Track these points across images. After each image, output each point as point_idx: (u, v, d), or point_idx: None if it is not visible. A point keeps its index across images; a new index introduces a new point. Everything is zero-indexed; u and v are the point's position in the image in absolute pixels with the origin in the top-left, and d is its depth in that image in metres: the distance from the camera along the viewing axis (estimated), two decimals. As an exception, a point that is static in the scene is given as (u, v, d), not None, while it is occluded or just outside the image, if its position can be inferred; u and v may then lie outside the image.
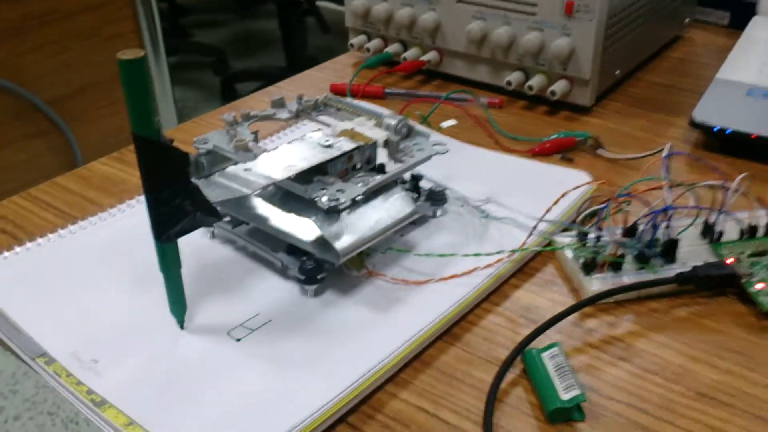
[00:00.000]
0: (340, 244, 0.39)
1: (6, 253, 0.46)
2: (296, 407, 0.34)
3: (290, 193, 0.42)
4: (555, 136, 0.57)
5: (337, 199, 0.40)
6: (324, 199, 0.40)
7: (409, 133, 0.46)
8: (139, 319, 0.40)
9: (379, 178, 0.42)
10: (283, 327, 0.39)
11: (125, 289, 0.42)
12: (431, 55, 0.69)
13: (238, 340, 0.39)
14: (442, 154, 0.45)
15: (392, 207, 0.42)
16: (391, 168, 0.43)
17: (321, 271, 0.41)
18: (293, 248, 0.43)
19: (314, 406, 0.34)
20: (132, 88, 0.32)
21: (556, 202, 0.43)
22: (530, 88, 0.63)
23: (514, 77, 0.64)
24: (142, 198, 0.51)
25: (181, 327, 0.40)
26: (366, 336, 0.39)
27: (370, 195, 0.42)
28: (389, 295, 0.41)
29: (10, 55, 1.43)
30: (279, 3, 2.32)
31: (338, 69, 0.74)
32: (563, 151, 0.57)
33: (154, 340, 0.39)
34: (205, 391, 0.36)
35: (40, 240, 0.47)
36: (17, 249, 0.46)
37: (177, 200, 0.35)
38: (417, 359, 0.38)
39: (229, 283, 0.43)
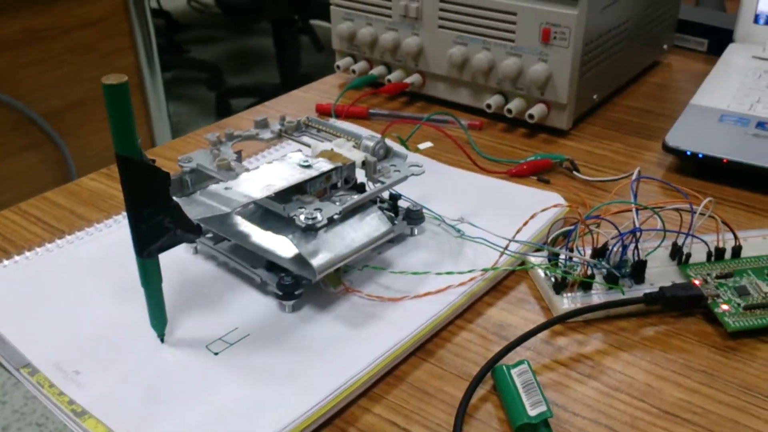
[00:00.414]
0: (317, 261, 0.40)
1: (-6, 267, 0.47)
2: (272, 420, 0.35)
3: (270, 211, 0.43)
4: (532, 158, 0.59)
5: (315, 218, 0.41)
6: (302, 217, 0.41)
7: (387, 154, 0.47)
8: (122, 332, 0.41)
9: (356, 197, 0.43)
10: (260, 341, 0.41)
11: (109, 303, 0.44)
12: (414, 78, 0.70)
13: (216, 353, 0.40)
14: (418, 175, 0.46)
15: (368, 226, 0.43)
16: (370, 188, 0.45)
17: (298, 287, 0.42)
18: (273, 265, 0.44)
19: (289, 419, 0.35)
20: (115, 111, 0.34)
21: (525, 223, 0.44)
22: (509, 111, 0.64)
23: (494, 100, 0.65)
24: (128, 214, 0.53)
25: (162, 340, 0.41)
26: (341, 351, 0.40)
27: (347, 214, 0.43)
28: (365, 312, 0.42)
29: (7, 68, 1.45)
30: (273, 21, 2.34)
31: (325, 90, 0.76)
32: (539, 173, 0.58)
33: (135, 352, 0.40)
34: (184, 403, 0.37)
35: (27, 254, 0.48)
36: (5, 262, 0.47)
37: (158, 217, 0.37)
38: (390, 374, 0.40)
39: (210, 298, 0.44)
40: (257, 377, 0.38)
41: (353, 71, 0.74)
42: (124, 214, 0.52)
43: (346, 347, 0.40)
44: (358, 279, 0.45)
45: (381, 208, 0.45)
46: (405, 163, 0.47)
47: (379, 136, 0.48)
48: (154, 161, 0.36)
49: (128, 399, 0.37)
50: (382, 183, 0.45)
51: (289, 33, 2.33)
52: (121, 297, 0.44)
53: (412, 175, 0.46)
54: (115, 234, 0.50)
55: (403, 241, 0.49)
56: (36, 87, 1.50)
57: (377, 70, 0.73)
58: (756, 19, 0.75)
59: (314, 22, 2.65)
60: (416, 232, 0.49)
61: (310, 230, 0.41)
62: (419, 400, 0.38)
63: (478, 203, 0.52)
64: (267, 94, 2.31)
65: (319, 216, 0.41)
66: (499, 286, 0.46)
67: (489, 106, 0.65)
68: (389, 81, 0.71)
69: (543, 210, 0.46)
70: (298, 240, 0.41)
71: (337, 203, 0.43)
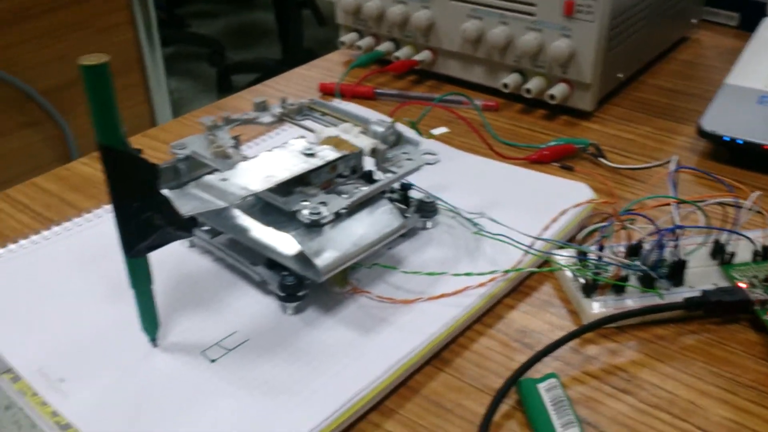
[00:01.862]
0: (322, 261, 0.37)
1: (-25, 260, 0.43)
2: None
3: (271, 205, 0.39)
4: (554, 143, 0.55)
5: (319, 213, 0.37)
6: (305, 212, 0.37)
7: (398, 141, 0.43)
8: (112, 335, 0.38)
9: (365, 189, 0.39)
10: (261, 347, 0.37)
11: (98, 302, 0.40)
12: (424, 55, 0.66)
13: (213, 360, 0.36)
14: (433, 164, 0.42)
15: (378, 221, 0.39)
16: (379, 178, 0.41)
17: (302, 287, 0.38)
18: (274, 262, 0.40)
19: (289, 436, 0.32)
20: (96, 95, 0.30)
21: (554, 220, 0.40)
22: (528, 91, 0.60)
23: (511, 79, 0.61)
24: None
25: (154, 345, 0.37)
26: (349, 359, 0.36)
27: (355, 207, 0.39)
28: (374, 315, 0.39)
29: (5, 45, 1.41)
30: (276, -6, 2.29)
31: (328, 67, 0.71)
32: (562, 159, 0.54)
33: (125, 358, 0.36)
34: (177, 417, 0.33)
35: (11, 246, 0.45)
36: (-13, 255, 0.44)
37: (146, 214, 0.33)
38: (403, 386, 0.36)
39: (206, 297, 0.40)
40: (257, 389, 0.35)
41: (359, 47, 0.69)
42: (114, 203, 0.49)
43: (355, 355, 0.36)
44: (367, 278, 0.41)
45: (391, 200, 0.42)
46: (418, 150, 0.43)
47: (388, 120, 0.44)
48: (140, 151, 0.32)
49: (117, 411, 0.34)
50: (394, 173, 0.41)
51: (291, 7, 2.27)
52: (111, 296, 0.40)
53: (426, 164, 0.42)
54: (104, 225, 0.47)
55: (415, 235, 0.45)
56: (33, 64, 1.46)
57: (384, 47, 0.68)
58: (791, -8, 0.71)
59: (317, -5, 2.59)
60: (429, 226, 0.45)
61: (314, 226, 0.37)
62: (436, 416, 0.34)
63: (496, 194, 0.48)
64: (269, 69, 2.27)
65: (324, 211, 0.37)
66: (520, 287, 0.42)
67: (506, 85, 0.61)
68: (397, 58, 0.67)
69: (576, 206, 0.41)
70: (301, 237, 0.37)
71: (344, 196, 0.39)
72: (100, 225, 0.47)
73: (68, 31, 1.50)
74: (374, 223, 0.39)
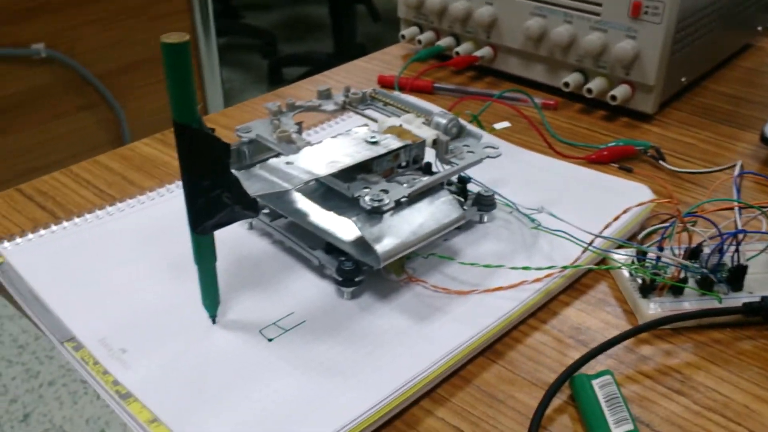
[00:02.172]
0: (382, 248, 0.37)
1: (42, 231, 0.45)
2: (327, 418, 0.33)
3: (332, 190, 0.40)
4: (613, 143, 0.54)
5: (381, 200, 0.37)
6: (367, 198, 0.38)
7: (460, 133, 0.44)
8: (172, 311, 0.39)
9: (426, 179, 0.40)
10: (317, 329, 0.38)
11: (160, 278, 0.41)
12: (485, 51, 0.66)
13: (270, 339, 0.37)
14: (494, 158, 0.42)
15: (438, 211, 0.40)
16: (438, 169, 0.41)
17: (359, 273, 0.39)
18: (332, 247, 0.41)
19: (346, 419, 0.32)
20: (174, 73, 0.31)
21: (617, 218, 0.40)
22: (589, 91, 0.60)
23: (573, 79, 0.61)
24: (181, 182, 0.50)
25: (213, 321, 0.38)
26: (404, 345, 0.36)
27: (415, 197, 0.40)
28: (430, 304, 0.39)
29: (63, 28, 1.44)
30: (330, -12, 2.30)
31: (387, 60, 0.72)
32: (621, 160, 0.53)
33: (185, 334, 0.37)
34: (234, 392, 0.34)
35: (77, 219, 0.46)
36: (54, 227, 0.45)
37: (216, 191, 0.34)
38: (456, 375, 0.36)
39: (264, 278, 0.41)
40: (314, 369, 0.35)
41: (419, 42, 0.70)
42: (177, 183, 0.50)
43: (409, 342, 0.37)
44: (422, 268, 0.42)
45: (449, 192, 0.42)
46: (479, 143, 0.43)
47: (450, 113, 0.44)
48: (213, 130, 0.33)
49: (176, 384, 0.35)
50: (455, 164, 0.41)
51: (346, 2, 2.29)
52: (173, 272, 0.41)
53: (488, 157, 0.42)
54: (168, 204, 0.48)
55: (471, 228, 0.45)
56: (91, 48, 1.49)
57: (445, 42, 0.68)
58: None
59: (372, -9, 2.60)
60: (486, 220, 0.45)
61: (375, 213, 0.38)
62: (488, 406, 0.34)
63: (555, 191, 0.48)
64: (320, 63, 2.28)
65: (385, 198, 0.38)
66: (575, 284, 0.42)
67: (567, 84, 0.61)
68: (457, 53, 0.67)
69: (638, 205, 0.41)
70: (362, 223, 0.38)
71: (405, 185, 0.39)
72: (163, 204, 0.48)
73: (127, 16, 1.53)
74: (434, 213, 0.39)
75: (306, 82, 0.68)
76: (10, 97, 1.42)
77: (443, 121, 0.43)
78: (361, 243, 0.39)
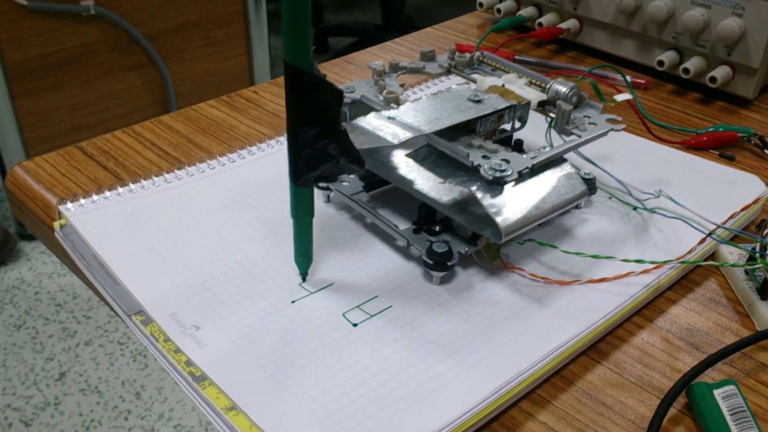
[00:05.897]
0: (503, 221, 0.34)
1: (108, 193, 0.43)
2: (419, 417, 0.30)
3: (444, 156, 0.37)
4: (712, 128, 0.50)
5: (503, 170, 0.34)
6: (487, 167, 0.34)
7: (579, 102, 0.40)
8: (248, 285, 0.36)
9: (549, 151, 0.36)
10: (404, 316, 0.35)
11: (235, 248, 0.38)
12: (570, 23, 0.62)
13: (355, 324, 0.34)
14: (618, 131, 0.39)
15: (561, 185, 0.36)
16: (531, 143, 0.38)
17: (452, 257, 0.36)
18: (420, 227, 0.38)
19: (440, 422, 0.29)
20: (293, 14, 0.29)
21: (745, 208, 0.36)
22: (686, 71, 0.55)
23: (667, 57, 0.56)
24: (252, 149, 0.47)
25: (303, 279, 0.36)
26: (500, 340, 0.33)
27: (537, 168, 0.36)
28: (527, 294, 0.36)
29: (114, -15, 1.42)
30: (381, -43, 2.25)
31: (461, 30, 0.68)
32: (721, 147, 0.49)
33: (263, 311, 0.35)
34: (317, 378, 0.31)
35: (144, 182, 0.44)
36: (120, 189, 0.43)
37: (322, 142, 0.31)
38: (556, 375, 0.33)
39: (344, 256, 0.38)
40: (401, 361, 0.32)
41: (497, 11, 0.66)
42: (248, 149, 0.47)
43: (506, 337, 0.34)
44: (516, 254, 0.38)
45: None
46: (600, 115, 0.40)
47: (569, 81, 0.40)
48: (325, 76, 0.30)
49: (255, 366, 0.32)
50: (578, 136, 0.38)
51: (397, -30, 2.23)
52: (251, 242, 0.39)
53: (612, 130, 0.39)
54: (240, 170, 0.45)
55: (567, 213, 0.41)
56: (139, 7, 1.47)
57: (526, 12, 0.64)
58: None
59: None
60: (582, 205, 0.42)
61: (496, 184, 0.35)
62: (595, 412, 0.31)
63: (659, 176, 0.44)
64: (367, 34, 2.24)
65: (508, 168, 0.34)
66: (683, 280, 0.38)
67: (661, 62, 0.56)
68: (540, 25, 0.63)
69: (756, 201, 0.37)
70: (482, 193, 0.34)
71: (529, 155, 0.36)
72: (234, 170, 0.45)
73: (177, -23, 1.51)
74: (556, 187, 0.36)
75: (377, 49, 0.65)
76: (59, 53, 1.41)
77: (563, 89, 0.39)
78: (478, 215, 0.35)
